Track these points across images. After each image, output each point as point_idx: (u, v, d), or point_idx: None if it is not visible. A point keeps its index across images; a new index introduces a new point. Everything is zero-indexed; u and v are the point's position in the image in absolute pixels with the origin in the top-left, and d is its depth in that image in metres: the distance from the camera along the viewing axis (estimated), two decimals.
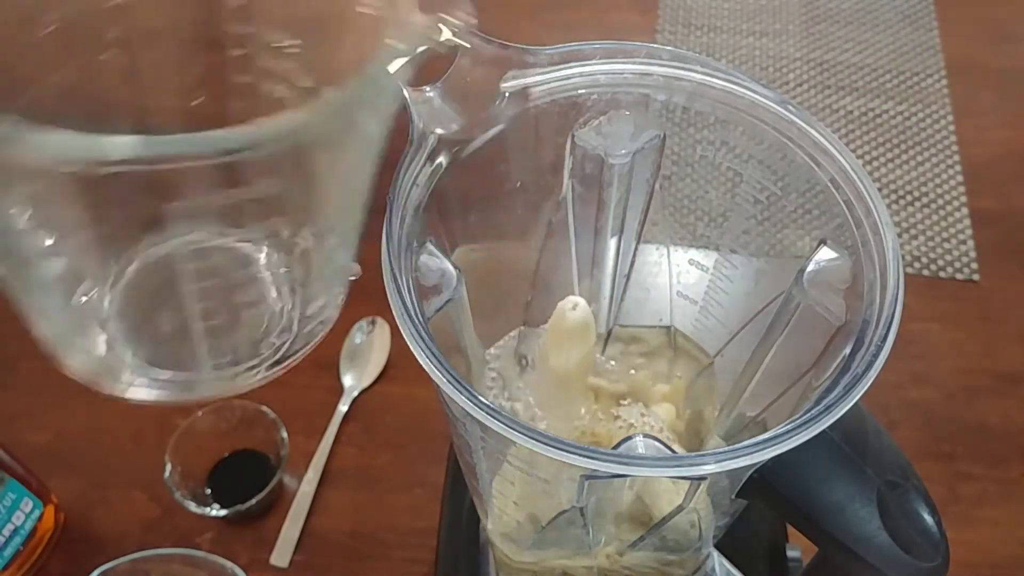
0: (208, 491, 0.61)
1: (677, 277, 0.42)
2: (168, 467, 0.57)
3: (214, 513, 0.58)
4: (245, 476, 0.61)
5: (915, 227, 0.75)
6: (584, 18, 0.94)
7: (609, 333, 0.45)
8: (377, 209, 0.30)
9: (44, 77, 0.29)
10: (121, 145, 0.20)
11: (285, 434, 0.60)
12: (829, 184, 0.33)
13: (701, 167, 0.37)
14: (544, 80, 0.34)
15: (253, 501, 0.57)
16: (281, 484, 0.61)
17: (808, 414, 0.26)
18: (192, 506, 0.57)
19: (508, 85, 0.34)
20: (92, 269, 0.31)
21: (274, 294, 0.34)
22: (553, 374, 0.34)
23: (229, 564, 0.52)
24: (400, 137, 0.31)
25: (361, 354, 0.68)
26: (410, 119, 0.31)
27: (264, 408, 0.61)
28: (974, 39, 0.90)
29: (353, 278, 0.32)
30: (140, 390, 0.30)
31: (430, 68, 0.30)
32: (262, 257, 0.34)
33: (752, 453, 0.25)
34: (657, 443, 0.27)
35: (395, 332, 0.67)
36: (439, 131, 0.32)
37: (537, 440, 0.25)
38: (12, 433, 0.59)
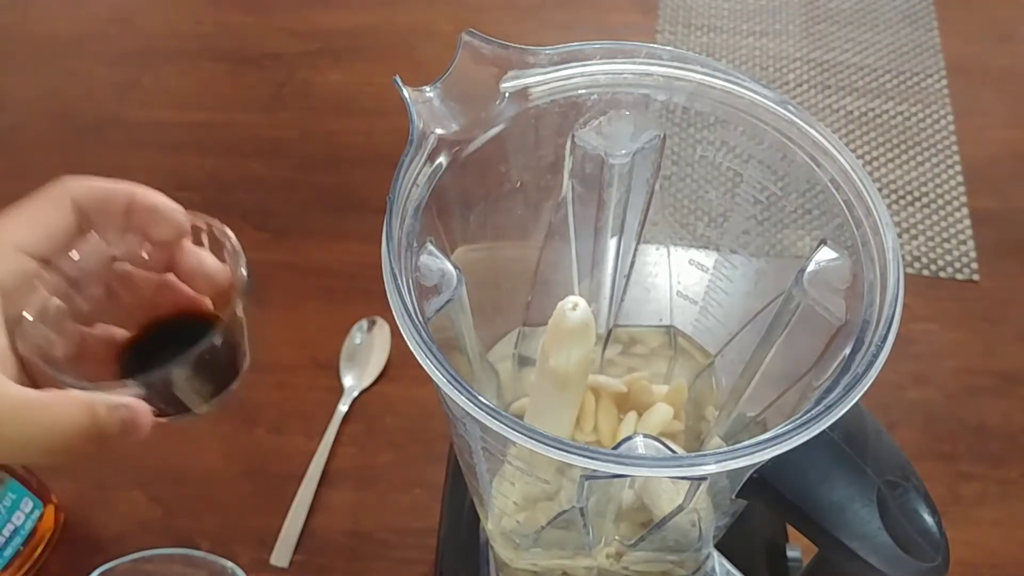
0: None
1: (677, 277, 0.42)
2: None
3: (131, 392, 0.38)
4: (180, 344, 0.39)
5: (915, 227, 0.75)
6: (584, 18, 0.94)
7: (609, 333, 0.45)
8: (377, 209, 0.30)
9: None
10: None
11: (244, 270, 0.39)
12: (829, 184, 0.33)
13: (701, 167, 0.37)
14: (544, 80, 0.34)
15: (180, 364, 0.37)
16: (233, 351, 0.40)
17: (808, 414, 0.26)
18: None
19: (508, 85, 0.34)
20: None
21: None
22: (553, 374, 0.34)
23: (229, 564, 0.52)
24: (400, 137, 0.31)
25: (361, 354, 0.68)
26: (410, 119, 0.31)
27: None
28: (974, 39, 0.90)
29: None
30: None
31: (430, 68, 0.30)
32: None
33: (752, 453, 0.25)
34: (657, 443, 0.27)
35: (395, 332, 0.67)
36: (439, 131, 0.32)
37: (537, 440, 0.25)
38: None
